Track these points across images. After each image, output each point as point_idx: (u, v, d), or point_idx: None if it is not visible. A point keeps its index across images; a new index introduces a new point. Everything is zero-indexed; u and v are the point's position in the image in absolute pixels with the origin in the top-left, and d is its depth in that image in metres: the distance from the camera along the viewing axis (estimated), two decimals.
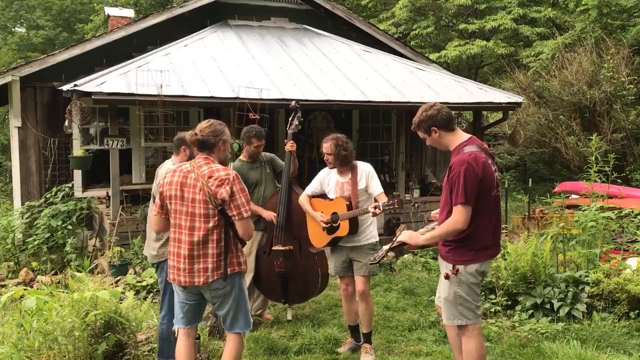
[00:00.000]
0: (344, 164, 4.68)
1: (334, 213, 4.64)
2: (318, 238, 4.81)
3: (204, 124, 3.60)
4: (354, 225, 4.60)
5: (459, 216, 3.35)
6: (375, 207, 4.36)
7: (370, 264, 4.14)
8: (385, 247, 3.78)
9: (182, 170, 3.56)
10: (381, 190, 4.66)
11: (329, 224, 4.64)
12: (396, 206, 4.33)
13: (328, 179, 4.80)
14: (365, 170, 4.70)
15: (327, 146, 4.66)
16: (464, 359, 3.60)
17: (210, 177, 3.44)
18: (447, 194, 3.48)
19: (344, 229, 4.60)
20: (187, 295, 3.60)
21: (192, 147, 4.29)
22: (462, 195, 3.32)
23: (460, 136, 3.57)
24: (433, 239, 3.53)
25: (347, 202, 4.60)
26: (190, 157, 4.35)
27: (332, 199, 4.72)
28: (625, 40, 13.64)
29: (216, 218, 3.45)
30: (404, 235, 3.64)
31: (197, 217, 3.46)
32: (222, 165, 3.58)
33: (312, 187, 4.89)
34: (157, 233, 4.09)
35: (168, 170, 3.69)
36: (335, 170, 4.76)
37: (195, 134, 3.54)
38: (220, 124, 3.62)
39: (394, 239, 3.70)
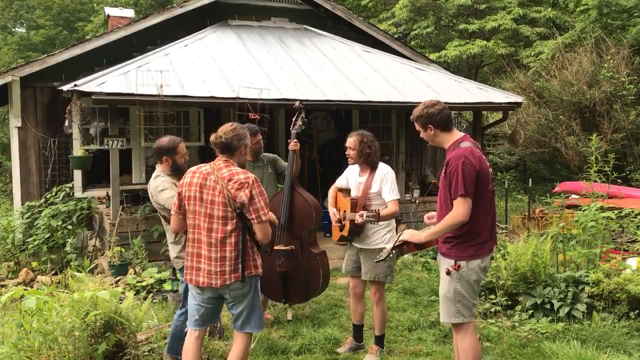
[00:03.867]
0: (367, 164, 4.62)
1: (344, 211, 4.68)
2: (334, 232, 4.85)
3: (227, 127, 3.62)
4: (354, 229, 4.58)
5: (460, 208, 3.37)
6: (360, 215, 4.36)
7: (376, 262, 4.14)
8: (389, 246, 3.80)
9: (201, 171, 3.59)
10: (392, 197, 4.51)
11: (339, 223, 4.67)
12: (373, 220, 4.28)
13: (352, 176, 4.80)
14: (382, 173, 4.60)
15: (351, 141, 4.62)
16: (460, 357, 3.61)
17: (230, 180, 3.46)
18: (445, 189, 3.50)
19: (345, 229, 4.62)
20: (204, 297, 3.61)
21: (174, 156, 4.21)
22: (462, 187, 3.35)
23: (455, 135, 3.62)
24: (434, 235, 3.54)
25: (352, 203, 4.60)
26: (174, 166, 4.21)
27: (347, 197, 4.73)
28: (625, 40, 13.64)
29: (234, 221, 3.47)
30: (406, 234, 3.66)
31: (215, 219, 3.49)
32: (241, 168, 3.61)
33: (341, 180, 4.91)
34: (174, 233, 4.08)
35: (188, 170, 3.70)
36: (358, 168, 4.74)
37: (220, 137, 3.56)
38: (242, 128, 3.67)
39: (395, 238, 3.71)
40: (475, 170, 3.40)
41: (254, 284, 3.61)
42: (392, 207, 4.50)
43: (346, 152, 4.69)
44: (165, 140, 4.28)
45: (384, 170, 4.63)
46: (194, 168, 3.69)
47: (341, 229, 4.68)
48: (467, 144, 3.50)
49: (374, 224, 4.39)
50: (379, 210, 4.31)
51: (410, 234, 3.64)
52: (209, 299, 3.61)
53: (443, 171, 3.53)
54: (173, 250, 4.32)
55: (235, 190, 3.44)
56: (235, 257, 3.48)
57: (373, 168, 4.63)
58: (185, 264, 3.63)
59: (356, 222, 4.39)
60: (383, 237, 4.64)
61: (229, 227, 3.47)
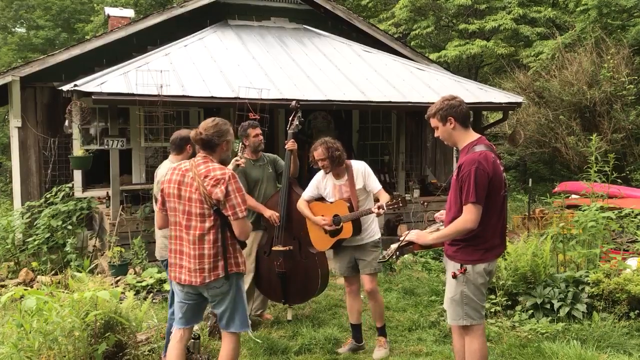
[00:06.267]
0: (339, 165, 4.67)
1: (336, 215, 4.63)
2: (321, 242, 4.80)
3: (208, 122, 3.57)
4: (357, 226, 4.60)
5: (469, 215, 3.34)
6: (378, 207, 4.36)
7: (379, 261, 4.15)
8: (394, 246, 3.78)
9: (180, 168, 3.56)
10: (380, 186, 4.67)
11: (333, 227, 4.64)
12: (400, 204, 4.34)
13: (324, 183, 4.78)
14: (360, 169, 4.69)
15: (318, 152, 4.64)
16: (466, 359, 3.60)
17: (206, 177, 3.42)
18: (456, 192, 3.46)
19: (347, 230, 4.60)
20: (185, 294, 3.60)
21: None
22: (473, 194, 3.31)
23: (472, 135, 3.55)
24: (441, 238, 3.53)
25: (348, 204, 4.59)
26: (193, 155, 4.37)
27: (331, 202, 4.71)
28: (625, 40, 13.64)
29: (212, 218, 3.43)
30: (412, 234, 3.63)
31: (193, 217, 3.46)
32: (223, 164, 3.56)
33: (309, 192, 4.87)
34: (159, 229, 4.09)
35: (169, 168, 3.69)
36: (330, 173, 4.75)
37: (200, 133, 3.51)
38: (225, 124, 3.60)
39: (401, 238, 3.68)
40: (488, 176, 3.35)
41: (234, 282, 3.55)
42: (386, 194, 4.56)
43: (320, 165, 4.69)
44: (185, 131, 4.48)
45: (361, 166, 4.71)
46: (175, 165, 3.67)
47: (335, 234, 4.66)
48: (481, 148, 3.44)
49: (398, 209, 4.42)
50: (402, 196, 4.35)
51: (416, 235, 3.60)
52: (190, 296, 3.60)
53: (455, 174, 3.49)
54: (162, 244, 4.36)
55: (211, 186, 3.39)
56: (214, 254, 3.44)
57: (347, 167, 4.69)
58: (169, 261, 3.61)
59: (378, 214, 4.39)
60: (375, 229, 4.73)
61: (206, 224, 3.43)
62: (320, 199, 4.83)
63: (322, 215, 4.71)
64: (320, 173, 4.84)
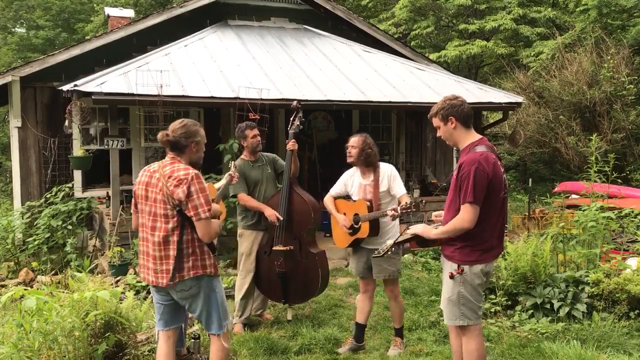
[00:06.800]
0: (366, 164, 4.70)
1: (356, 214, 4.67)
2: (341, 239, 4.84)
3: (177, 124, 3.54)
4: (375, 228, 4.62)
5: (466, 215, 3.35)
6: (393, 210, 4.38)
7: (373, 257, 4.17)
8: (390, 242, 3.79)
9: (149, 169, 3.56)
10: (404, 191, 4.69)
11: (351, 226, 4.67)
12: (413, 209, 4.35)
13: (352, 181, 4.83)
14: (387, 171, 4.71)
15: (355, 140, 4.71)
16: (464, 359, 3.60)
17: (170, 177, 3.40)
18: (455, 192, 3.46)
19: (364, 230, 4.62)
20: (159, 295, 3.61)
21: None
22: (471, 194, 3.32)
23: (473, 136, 3.55)
24: (441, 235, 3.54)
25: (368, 204, 4.61)
26: None
27: (355, 201, 4.75)
28: (625, 40, 13.65)
29: (175, 219, 3.41)
30: (418, 227, 3.64)
31: (158, 217, 3.45)
32: (194, 166, 3.53)
33: (337, 189, 4.92)
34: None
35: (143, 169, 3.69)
36: (358, 172, 4.79)
37: (167, 135, 3.49)
38: (194, 125, 3.56)
39: (401, 232, 3.69)
40: (488, 177, 3.35)
41: (204, 284, 3.51)
42: (408, 199, 4.60)
43: (347, 150, 4.75)
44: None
45: (388, 169, 4.73)
46: (146, 167, 3.67)
47: (354, 233, 4.69)
48: (482, 149, 3.44)
49: (411, 213, 4.44)
50: (416, 201, 4.38)
51: (422, 229, 3.62)
52: (162, 297, 3.60)
53: (455, 173, 3.49)
54: None
55: (173, 187, 3.37)
56: (179, 256, 3.42)
57: (375, 169, 4.71)
58: (139, 262, 3.61)
59: (393, 216, 4.42)
60: (395, 236, 4.69)
61: (170, 225, 3.41)
62: (347, 196, 4.87)
63: (344, 213, 4.77)
64: (350, 170, 4.88)
